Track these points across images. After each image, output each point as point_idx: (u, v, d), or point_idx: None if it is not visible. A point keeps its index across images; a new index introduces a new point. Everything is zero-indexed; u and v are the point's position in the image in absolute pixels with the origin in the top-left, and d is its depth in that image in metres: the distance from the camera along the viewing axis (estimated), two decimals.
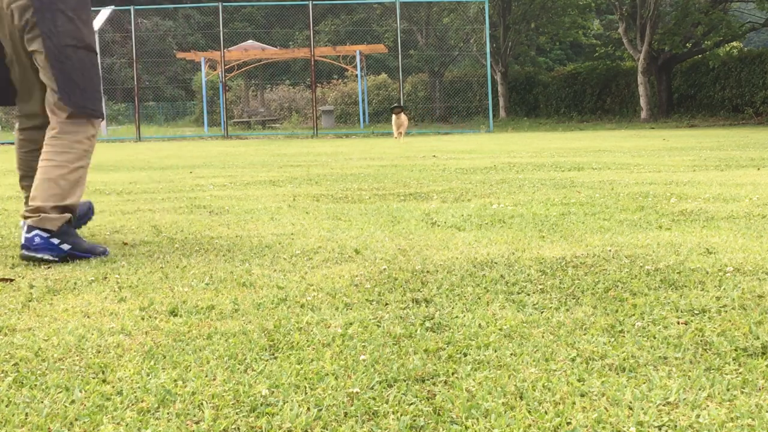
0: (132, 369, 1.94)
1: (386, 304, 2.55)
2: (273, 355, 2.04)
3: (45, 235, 3.17)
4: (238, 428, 1.57)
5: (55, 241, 3.19)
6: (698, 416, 1.56)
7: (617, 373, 1.82)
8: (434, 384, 1.78)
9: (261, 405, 1.67)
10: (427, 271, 3.02)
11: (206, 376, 1.86)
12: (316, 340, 2.15)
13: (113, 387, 1.81)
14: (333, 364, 1.93)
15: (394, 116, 17.67)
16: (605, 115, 30.65)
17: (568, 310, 2.41)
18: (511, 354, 1.98)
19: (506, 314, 2.36)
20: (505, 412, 1.60)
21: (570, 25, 34.31)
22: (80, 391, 1.78)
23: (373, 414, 1.62)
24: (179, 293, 2.76)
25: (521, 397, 1.68)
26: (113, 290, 2.84)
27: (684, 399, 1.65)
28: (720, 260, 3.07)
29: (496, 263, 3.14)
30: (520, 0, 32.39)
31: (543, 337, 2.13)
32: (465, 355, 1.99)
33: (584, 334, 2.14)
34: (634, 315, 2.32)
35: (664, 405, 1.63)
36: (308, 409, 1.65)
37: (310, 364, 1.94)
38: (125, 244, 3.90)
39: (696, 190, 5.82)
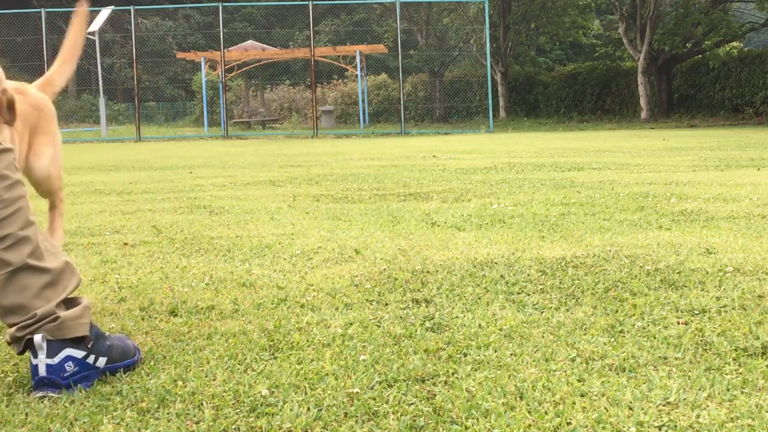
0: (132, 370, 1.94)
1: (386, 304, 2.55)
2: (273, 355, 2.04)
3: (80, 354, 1.84)
4: (238, 428, 1.57)
5: (91, 359, 1.87)
6: (698, 416, 1.56)
7: (617, 373, 1.82)
8: (434, 384, 1.78)
9: (261, 405, 1.67)
10: (427, 271, 3.02)
11: (206, 376, 1.86)
12: (316, 340, 2.15)
13: (113, 387, 1.81)
14: (333, 364, 1.92)
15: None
16: (605, 115, 30.64)
17: (568, 310, 2.41)
18: (511, 354, 1.98)
19: (506, 314, 2.36)
20: (505, 412, 1.60)
21: (570, 25, 34.29)
22: (80, 391, 1.78)
23: (373, 414, 1.62)
24: (179, 293, 2.76)
25: (521, 397, 1.68)
26: (113, 290, 2.84)
27: (684, 399, 1.65)
28: (720, 260, 3.07)
29: (496, 263, 3.14)
30: (520, 0, 32.39)
31: (543, 337, 2.13)
32: (465, 355, 1.99)
33: (584, 334, 2.14)
34: (634, 315, 2.32)
35: (664, 405, 1.63)
36: (308, 409, 1.65)
37: (310, 364, 1.93)
38: (125, 244, 3.90)
39: (696, 190, 5.82)
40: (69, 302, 1.86)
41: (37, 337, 1.77)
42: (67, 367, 1.78)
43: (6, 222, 1.78)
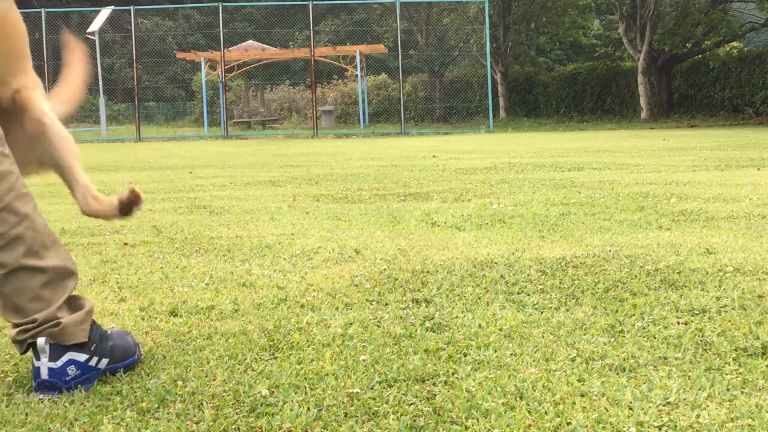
0: (132, 369, 1.94)
1: (386, 304, 2.55)
2: (273, 355, 2.04)
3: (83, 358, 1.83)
4: (238, 428, 1.57)
5: (94, 361, 1.86)
6: (698, 416, 1.56)
7: (617, 373, 1.82)
8: (434, 384, 1.78)
9: (261, 405, 1.67)
10: (427, 271, 3.02)
11: (206, 376, 1.86)
12: (316, 340, 2.15)
13: (113, 387, 1.81)
14: (333, 364, 1.92)
15: None
16: (605, 115, 30.63)
17: (568, 310, 2.41)
18: (511, 354, 1.98)
19: (506, 314, 2.36)
20: (505, 412, 1.60)
21: (570, 25, 34.33)
22: (80, 391, 1.78)
23: (373, 414, 1.62)
24: (179, 293, 2.76)
25: (521, 397, 1.68)
26: (113, 290, 2.84)
27: (684, 399, 1.65)
28: (720, 260, 3.07)
29: (496, 263, 3.14)
30: (520, 0, 32.40)
31: (543, 337, 2.13)
32: (465, 355, 1.99)
33: (584, 334, 2.14)
34: (634, 315, 2.32)
35: (664, 405, 1.63)
36: (308, 409, 1.65)
37: (310, 364, 1.93)
38: (125, 244, 3.90)
39: (696, 190, 5.81)
40: (73, 302, 1.83)
41: (41, 341, 1.75)
42: (69, 371, 1.77)
43: None
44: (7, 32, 1.86)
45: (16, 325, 1.78)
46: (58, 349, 1.77)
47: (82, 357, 1.80)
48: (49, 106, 2.02)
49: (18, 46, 1.91)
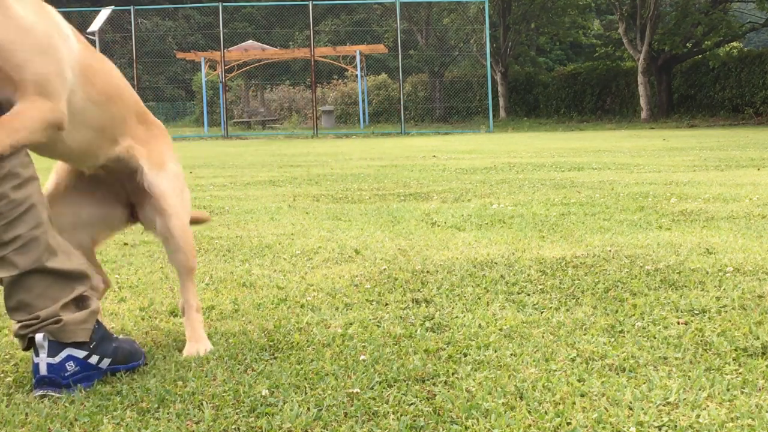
0: (133, 371, 1.94)
1: (386, 304, 2.55)
2: (273, 355, 2.04)
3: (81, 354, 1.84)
4: (238, 428, 1.57)
5: (94, 359, 1.86)
6: (698, 416, 1.56)
7: (617, 373, 1.82)
8: (434, 384, 1.78)
9: (261, 405, 1.67)
10: (427, 271, 3.02)
11: (206, 376, 1.86)
12: (316, 340, 2.15)
13: (113, 387, 1.81)
14: (333, 364, 1.92)
15: None
16: (605, 115, 30.62)
17: (568, 310, 2.41)
18: (511, 354, 1.98)
19: (506, 314, 2.37)
20: (505, 412, 1.60)
21: (570, 25, 34.38)
22: (80, 391, 1.78)
23: (373, 414, 1.62)
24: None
25: (521, 397, 1.68)
26: (113, 290, 2.84)
27: (684, 399, 1.65)
28: (720, 260, 3.07)
29: (496, 263, 3.14)
30: (520, 0, 32.41)
31: (543, 337, 2.13)
32: (465, 355, 1.99)
33: (584, 334, 2.14)
34: (634, 315, 2.32)
35: (664, 405, 1.63)
36: (308, 409, 1.65)
37: (310, 364, 1.94)
38: (125, 244, 3.90)
39: (696, 190, 5.81)
40: (81, 302, 1.84)
41: (39, 336, 1.77)
42: (68, 367, 1.78)
43: (15, 223, 1.74)
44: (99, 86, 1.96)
45: (19, 320, 1.79)
46: (56, 346, 1.78)
47: (80, 353, 1.81)
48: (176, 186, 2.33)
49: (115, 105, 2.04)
